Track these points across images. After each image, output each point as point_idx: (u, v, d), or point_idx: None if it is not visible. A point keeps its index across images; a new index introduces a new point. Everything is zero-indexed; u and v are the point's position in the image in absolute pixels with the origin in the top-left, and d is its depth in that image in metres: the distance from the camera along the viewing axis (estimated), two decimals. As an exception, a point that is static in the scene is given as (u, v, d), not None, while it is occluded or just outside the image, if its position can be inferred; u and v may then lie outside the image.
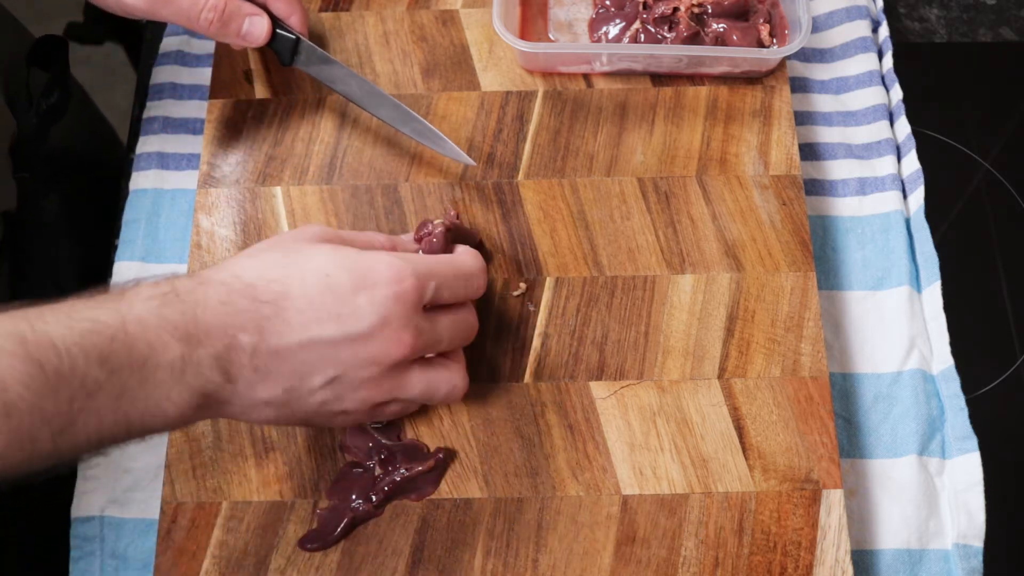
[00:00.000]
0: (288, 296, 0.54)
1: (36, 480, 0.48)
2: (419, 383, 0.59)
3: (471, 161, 0.70)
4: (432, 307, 0.60)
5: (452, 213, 0.70)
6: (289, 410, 0.56)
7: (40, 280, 0.76)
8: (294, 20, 0.70)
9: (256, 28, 0.68)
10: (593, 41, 0.77)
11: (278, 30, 0.70)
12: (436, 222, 0.67)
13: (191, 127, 0.79)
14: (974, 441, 0.67)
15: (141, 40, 0.84)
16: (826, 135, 0.79)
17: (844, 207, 0.76)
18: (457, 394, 0.62)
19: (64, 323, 0.48)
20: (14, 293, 0.74)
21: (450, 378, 0.61)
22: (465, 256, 0.64)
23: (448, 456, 0.64)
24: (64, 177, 0.83)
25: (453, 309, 0.61)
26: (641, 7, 0.76)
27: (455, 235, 0.67)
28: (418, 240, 0.67)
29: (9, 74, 0.75)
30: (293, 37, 0.70)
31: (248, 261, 0.56)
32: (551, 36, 0.79)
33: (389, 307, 0.56)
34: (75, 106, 0.79)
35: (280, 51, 0.71)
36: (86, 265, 0.80)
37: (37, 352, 0.46)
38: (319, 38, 0.79)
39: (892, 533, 0.65)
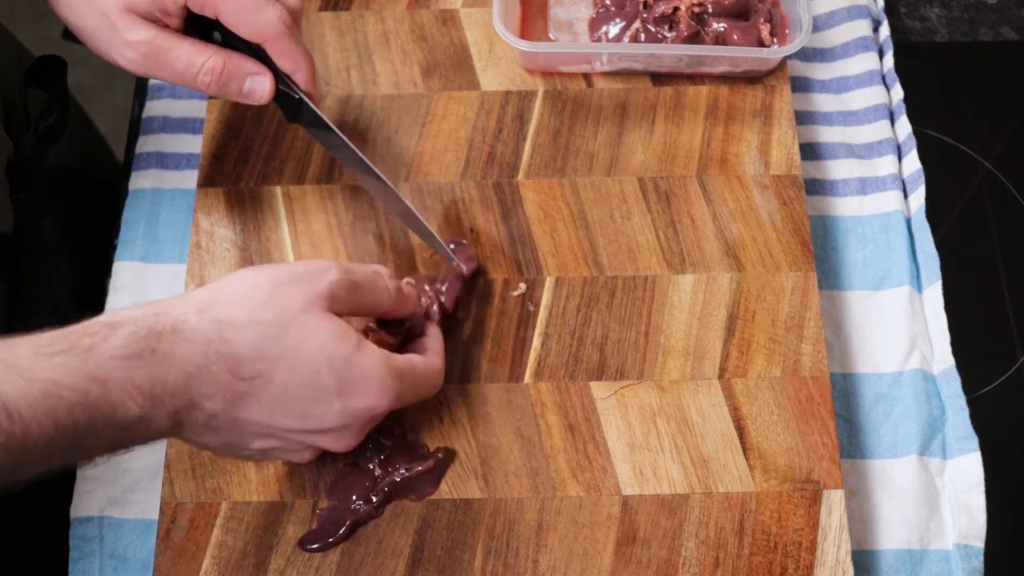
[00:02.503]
0: (270, 381, 0.54)
1: None
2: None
3: (457, 261, 0.68)
4: None
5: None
6: (224, 452, 0.58)
7: (37, 302, 0.76)
8: (299, 76, 0.65)
9: (258, 87, 0.64)
10: (593, 41, 0.77)
11: (282, 87, 0.65)
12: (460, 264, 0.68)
13: (191, 126, 0.79)
14: (975, 441, 0.67)
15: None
16: (827, 135, 0.79)
17: (845, 207, 0.75)
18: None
19: (24, 377, 0.47)
20: (10, 315, 0.73)
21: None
22: (438, 363, 0.63)
23: (448, 456, 0.64)
24: (62, 198, 0.82)
25: None
26: (641, 6, 0.76)
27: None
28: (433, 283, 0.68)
29: (6, 94, 0.75)
30: (296, 97, 0.66)
31: (241, 318, 0.53)
32: (551, 36, 0.79)
33: (357, 419, 0.57)
34: (73, 126, 0.78)
35: (284, 108, 0.67)
36: (84, 286, 0.80)
37: None
38: (319, 37, 0.79)
39: (893, 533, 0.65)
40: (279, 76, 0.65)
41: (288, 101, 0.66)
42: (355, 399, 0.56)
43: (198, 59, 0.63)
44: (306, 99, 0.66)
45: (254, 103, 0.65)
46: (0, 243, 0.72)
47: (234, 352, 0.52)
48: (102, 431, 0.49)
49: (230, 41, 0.64)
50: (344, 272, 0.58)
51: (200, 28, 0.64)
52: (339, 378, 0.55)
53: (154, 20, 0.62)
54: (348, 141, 0.67)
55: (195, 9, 0.62)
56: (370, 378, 0.56)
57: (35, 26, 0.88)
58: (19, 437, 0.46)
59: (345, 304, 0.58)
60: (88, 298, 0.75)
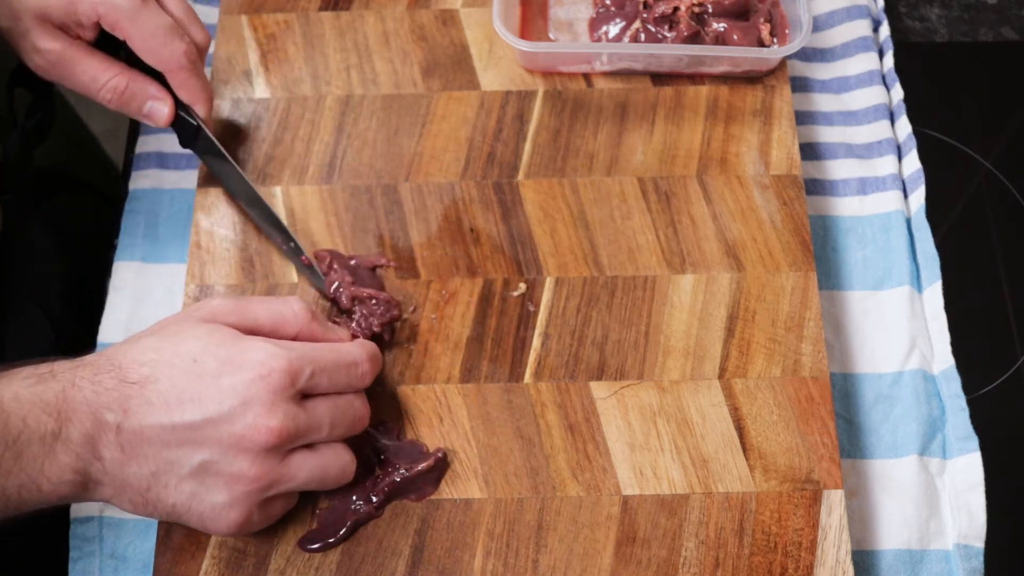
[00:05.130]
0: (154, 379, 0.55)
1: None
2: (303, 470, 0.57)
3: (328, 289, 0.67)
4: (312, 396, 0.58)
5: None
6: (157, 496, 0.55)
7: (25, 304, 0.76)
8: (198, 108, 0.69)
9: (156, 112, 0.68)
10: (593, 41, 0.77)
11: (181, 113, 0.69)
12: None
13: (190, 127, 0.79)
14: (975, 441, 0.67)
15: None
16: (827, 135, 0.79)
17: (845, 207, 0.75)
18: (349, 473, 0.60)
19: None
20: (0, 317, 0.73)
21: (338, 458, 0.59)
22: (350, 344, 0.61)
23: (448, 456, 0.64)
24: (50, 199, 0.83)
25: (335, 396, 0.59)
26: (641, 6, 0.76)
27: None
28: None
29: None
30: (195, 124, 0.69)
31: (126, 345, 0.57)
32: (551, 36, 0.79)
33: (252, 390, 0.55)
34: (60, 126, 0.79)
35: (180, 134, 0.70)
36: (73, 288, 0.80)
37: None
38: (319, 37, 0.79)
39: (893, 533, 0.65)
40: (179, 102, 0.68)
41: (186, 127, 0.69)
42: (241, 371, 0.55)
43: (102, 76, 0.66)
44: (204, 127, 0.69)
45: (152, 124, 0.68)
46: None
47: (118, 364, 0.56)
48: (23, 447, 0.51)
49: (137, 60, 0.67)
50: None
51: (111, 42, 0.66)
52: (218, 357, 0.56)
53: (66, 30, 0.64)
54: (242, 172, 0.70)
55: (106, 28, 0.64)
56: (250, 348, 0.56)
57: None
58: None
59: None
60: (80, 299, 0.75)
